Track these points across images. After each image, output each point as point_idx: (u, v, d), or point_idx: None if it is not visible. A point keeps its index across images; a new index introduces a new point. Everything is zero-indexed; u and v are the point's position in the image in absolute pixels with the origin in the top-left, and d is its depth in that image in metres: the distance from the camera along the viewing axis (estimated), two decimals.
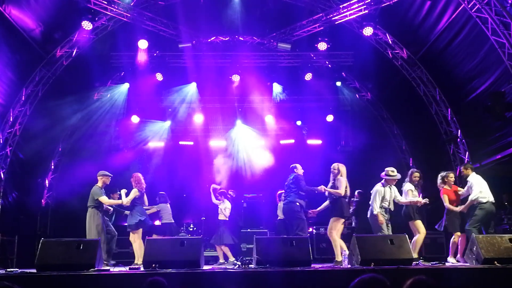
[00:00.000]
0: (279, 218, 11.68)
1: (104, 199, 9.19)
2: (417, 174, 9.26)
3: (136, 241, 9.10)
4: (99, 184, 9.33)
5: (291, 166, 9.59)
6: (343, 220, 8.71)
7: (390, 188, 9.09)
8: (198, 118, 15.32)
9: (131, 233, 9.24)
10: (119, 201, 9.39)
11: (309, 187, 9.04)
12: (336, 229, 8.59)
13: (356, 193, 11.97)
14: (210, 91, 14.89)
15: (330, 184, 8.84)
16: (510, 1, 9.53)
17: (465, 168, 9.20)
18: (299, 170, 9.45)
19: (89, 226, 8.96)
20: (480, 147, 12.01)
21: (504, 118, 9.88)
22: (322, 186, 8.71)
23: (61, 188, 14.17)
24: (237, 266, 7.31)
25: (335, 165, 8.95)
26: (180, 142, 15.99)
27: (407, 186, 9.06)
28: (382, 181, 9.12)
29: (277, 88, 14.90)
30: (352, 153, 15.14)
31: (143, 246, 8.96)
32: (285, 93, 14.93)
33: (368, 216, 9.05)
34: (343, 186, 8.64)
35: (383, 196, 8.93)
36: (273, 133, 15.82)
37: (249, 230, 12.53)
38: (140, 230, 9.20)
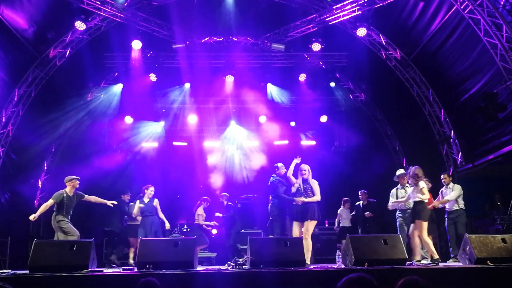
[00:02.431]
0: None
1: (43, 205, 8.77)
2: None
3: None
4: (67, 189, 8.90)
5: (274, 165, 9.24)
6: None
7: (405, 189, 9.61)
8: (192, 119, 15.29)
9: None
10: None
11: (285, 196, 8.66)
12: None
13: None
14: (204, 91, 14.89)
15: (298, 186, 8.53)
16: (502, 2, 9.60)
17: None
18: (281, 170, 9.02)
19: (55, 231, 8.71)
20: (473, 147, 12.08)
21: (496, 118, 9.96)
22: (302, 198, 8.27)
23: (54, 189, 13.94)
24: (231, 266, 7.29)
25: (306, 166, 8.62)
26: (174, 143, 15.95)
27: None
28: None
29: (271, 88, 14.91)
30: (346, 153, 15.19)
31: None
32: (279, 94, 14.94)
33: None
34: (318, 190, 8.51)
35: (396, 197, 9.71)
36: (267, 133, 15.82)
37: (243, 230, 12.52)
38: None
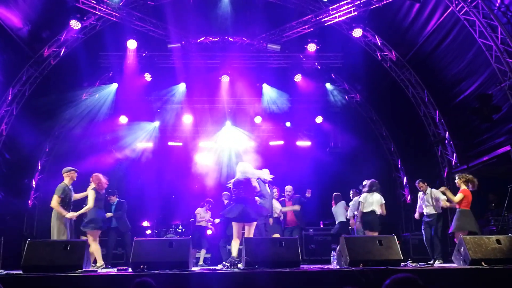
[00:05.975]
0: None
1: (54, 199, 8.14)
2: None
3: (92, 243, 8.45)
4: (66, 181, 8.39)
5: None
6: None
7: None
8: (187, 119, 15.26)
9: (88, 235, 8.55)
10: (65, 212, 8.21)
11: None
12: None
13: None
14: (199, 91, 14.86)
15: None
16: (497, 4, 9.63)
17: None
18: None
19: (52, 227, 8.28)
20: (468, 148, 12.11)
21: (491, 120, 10.00)
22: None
23: (48, 189, 13.93)
24: (226, 267, 7.27)
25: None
26: (169, 143, 15.91)
27: None
28: None
29: (266, 89, 14.90)
30: (341, 154, 15.21)
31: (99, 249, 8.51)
32: (274, 94, 14.93)
33: None
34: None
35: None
36: (262, 134, 15.80)
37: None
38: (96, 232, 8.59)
